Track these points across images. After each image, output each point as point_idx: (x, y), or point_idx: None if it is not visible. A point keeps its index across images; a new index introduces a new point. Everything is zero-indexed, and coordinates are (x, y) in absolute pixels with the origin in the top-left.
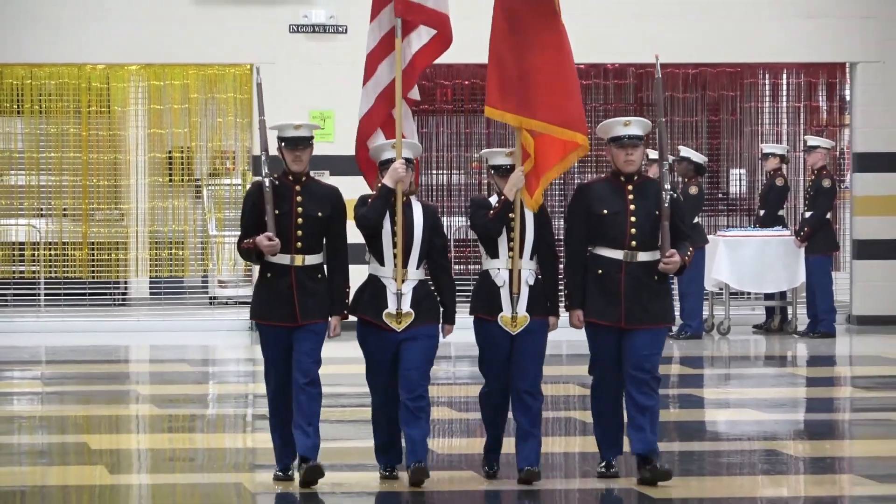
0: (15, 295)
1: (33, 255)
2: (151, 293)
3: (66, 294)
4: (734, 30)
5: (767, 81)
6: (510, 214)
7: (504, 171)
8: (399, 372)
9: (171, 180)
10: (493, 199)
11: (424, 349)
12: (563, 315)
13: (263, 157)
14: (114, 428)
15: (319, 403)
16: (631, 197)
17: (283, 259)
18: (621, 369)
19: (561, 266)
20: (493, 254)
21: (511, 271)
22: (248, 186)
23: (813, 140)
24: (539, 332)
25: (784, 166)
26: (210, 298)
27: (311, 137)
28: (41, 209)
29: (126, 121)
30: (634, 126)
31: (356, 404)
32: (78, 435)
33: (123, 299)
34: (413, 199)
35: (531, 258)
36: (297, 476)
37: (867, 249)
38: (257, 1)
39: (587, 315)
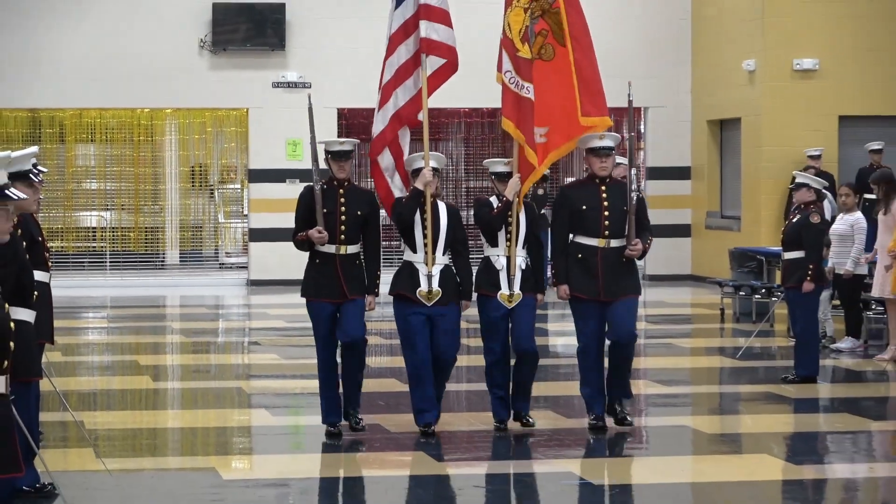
0: (89, 262)
1: (102, 235)
2: (181, 260)
3: (123, 262)
4: None
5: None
6: (509, 212)
7: (503, 177)
8: (434, 341)
9: (193, 186)
10: (493, 199)
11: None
12: (549, 292)
13: (314, 167)
14: (155, 350)
15: (361, 362)
16: (605, 195)
17: (330, 248)
18: (601, 336)
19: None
20: (493, 243)
21: (508, 258)
22: (301, 190)
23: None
24: (530, 305)
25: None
26: (220, 264)
27: (353, 151)
28: (107, 205)
29: (163, 146)
30: (607, 139)
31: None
32: (131, 355)
33: (162, 265)
34: (439, 199)
35: (523, 247)
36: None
37: (658, 231)
38: (251, 66)
39: (572, 290)
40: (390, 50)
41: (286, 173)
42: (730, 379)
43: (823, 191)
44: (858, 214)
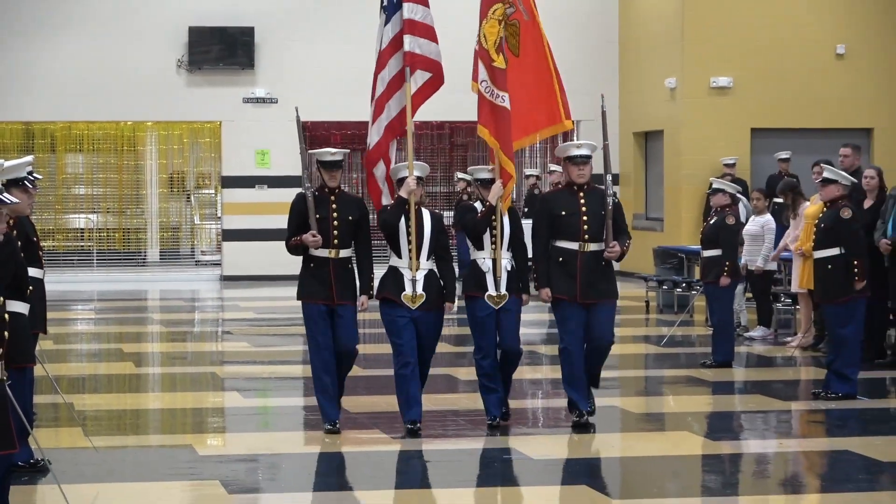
0: (78, 260)
1: (89, 235)
2: (160, 258)
3: (108, 259)
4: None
5: None
6: (493, 216)
7: (487, 183)
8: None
9: (171, 191)
10: (478, 205)
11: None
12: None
13: (304, 175)
14: (137, 339)
15: (350, 367)
16: (583, 201)
17: (323, 252)
18: (582, 336)
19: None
20: (479, 247)
21: (494, 260)
22: (294, 198)
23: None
24: (516, 305)
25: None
26: (196, 261)
27: (343, 161)
28: (94, 209)
29: (144, 155)
30: (584, 148)
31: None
32: (116, 343)
33: (144, 262)
34: (423, 207)
35: (508, 250)
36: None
37: None
38: (223, 83)
39: (554, 293)
40: (381, 64)
41: (255, 180)
42: (654, 364)
43: (738, 195)
44: (769, 216)
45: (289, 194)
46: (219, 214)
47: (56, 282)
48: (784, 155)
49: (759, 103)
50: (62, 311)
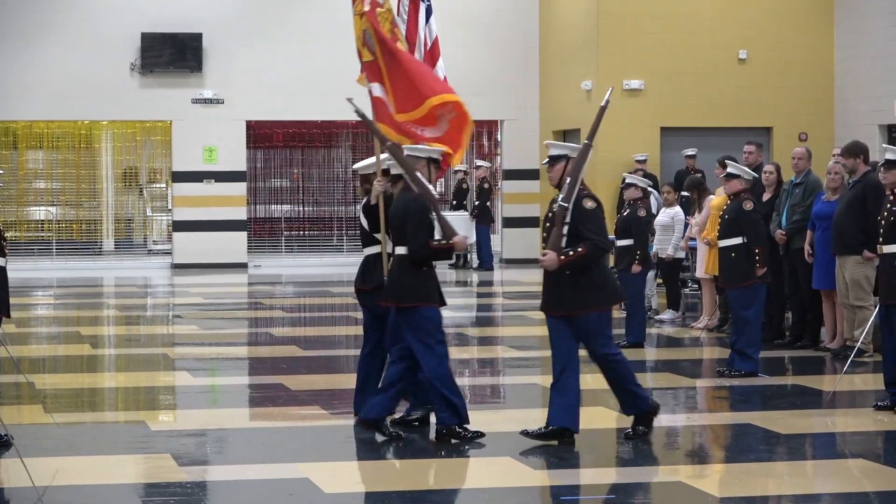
0: (38, 249)
1: (49, 226)
2: (115, 247)
3: (67, 248)
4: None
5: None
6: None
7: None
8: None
9: (125, 185)
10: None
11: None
12: None
13: (415, 177)
14: (94, 322)
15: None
16: (553, 207)
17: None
18: (563, 353)
19: None
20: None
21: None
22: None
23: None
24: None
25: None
26: (148, 250)
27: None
28: (53, 201)
29: (100, 152)
30: (553, 149)
31: None
32: (74, 326)
33: (100, 251)
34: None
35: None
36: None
37: (511, 222)
38: (173, 85)
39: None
40: (434, 57)
41: (203, 175)
42: None
43: (649, 188)
44: (678, 208)
45: (234, 188)
46: (169, 207)
47: (18, 269)
48: (690, 152)
49: (668, 104)
50: (24, 296)
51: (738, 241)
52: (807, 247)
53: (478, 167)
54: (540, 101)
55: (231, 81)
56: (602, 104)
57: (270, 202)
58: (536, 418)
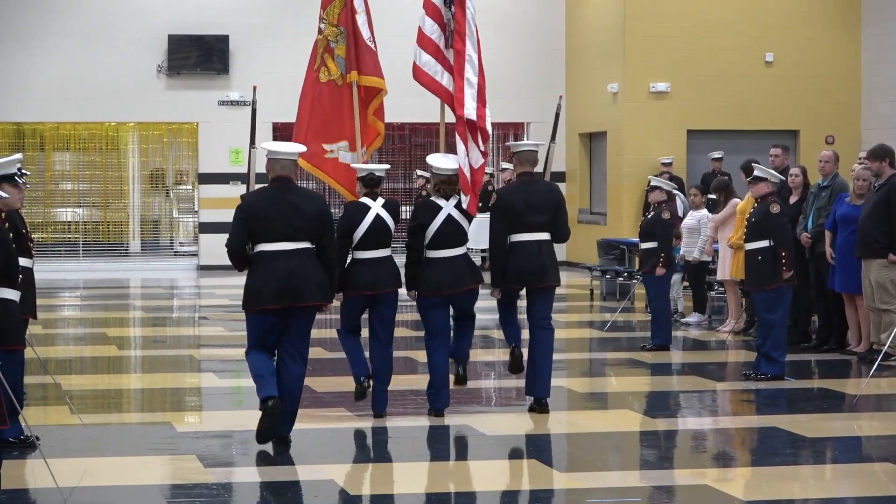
0: (65, 250)
1: (76, 228)
2: (142, 249)
3: (93, 250)
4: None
5: (499, 133)
6: None
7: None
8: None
9: (152, 187)
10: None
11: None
12: None
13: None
14: (120, 323)
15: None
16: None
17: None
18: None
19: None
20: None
21: None
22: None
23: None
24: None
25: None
26: (174, 252)
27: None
28: (80, 203)
29: (127, 154)
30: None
31: None
32: (100, 328)
33: (126, 252)
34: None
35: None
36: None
37: None
38: (200, 87)
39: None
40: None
41: (230, 176)
42: (598, 347)
43: (674, 191)
44: (705, 211)
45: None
46: (196, 208)
47: (45, 271)
48: (717, 154)
49: (694, 107)
50: (50, 298)
51: (764, 244)
52: (827, 248)
53: (503, 169)
54: (566, 103)
55: (257, 83)
56: (556, 110)
57: None
58: (561, 421)
